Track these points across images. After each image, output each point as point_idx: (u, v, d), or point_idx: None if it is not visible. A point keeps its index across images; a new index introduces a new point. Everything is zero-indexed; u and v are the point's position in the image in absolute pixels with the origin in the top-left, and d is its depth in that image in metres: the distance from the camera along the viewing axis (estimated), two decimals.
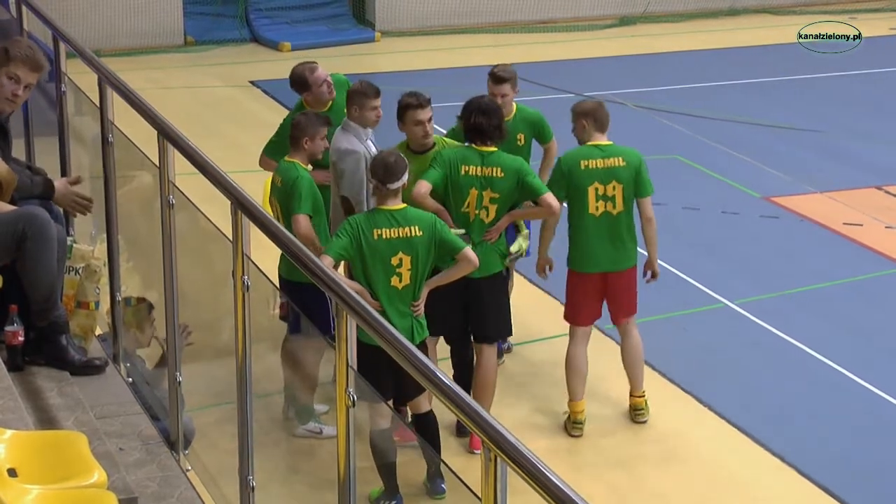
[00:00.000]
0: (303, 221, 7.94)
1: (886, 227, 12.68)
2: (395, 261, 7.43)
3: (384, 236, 7.41)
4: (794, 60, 19.07)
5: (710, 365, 9.93)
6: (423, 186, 8.09)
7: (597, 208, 8.55)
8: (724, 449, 8.80)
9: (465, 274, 7.76)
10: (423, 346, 7.65)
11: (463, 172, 8.19)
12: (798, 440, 8.86)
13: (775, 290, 11.24)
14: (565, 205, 8.66)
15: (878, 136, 15.62)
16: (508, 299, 8.79)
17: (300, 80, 9.02)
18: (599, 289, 8.74)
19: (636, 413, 8.98)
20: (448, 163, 8.21)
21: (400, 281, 7.47)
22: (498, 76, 9.14)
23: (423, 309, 7.59)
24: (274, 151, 9.04)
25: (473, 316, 8.39)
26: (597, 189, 8.53)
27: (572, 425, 8.85)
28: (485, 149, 8.22)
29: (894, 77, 18.68)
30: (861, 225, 12.68)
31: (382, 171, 7.41)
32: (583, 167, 8.53)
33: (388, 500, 7.33)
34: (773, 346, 10.17)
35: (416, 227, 7.43)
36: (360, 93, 8.47)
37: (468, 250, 7.60)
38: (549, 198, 8.20)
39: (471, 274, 7.97)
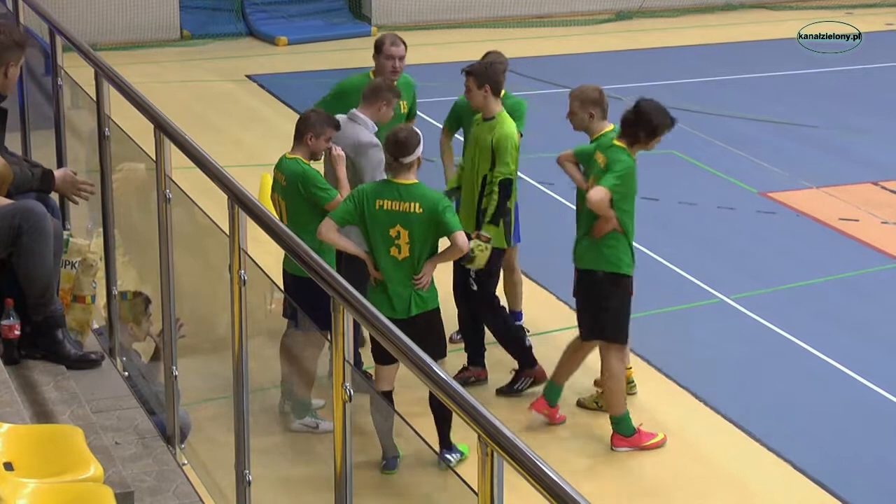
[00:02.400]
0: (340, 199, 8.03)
1: (882, 223, 12.68)
2: (392, 232, 7.70)
3: (385, 207, 7.69)
4: (790, 56, 19.05)
5: (706, 360, 9.92)
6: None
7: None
8: (720, 444, 8.81)
9: (454, 258, 8.14)
10: (434, 315, 7.88)
11: None
12: (793, 435, 8.86)
13: (771, 285, 11.24)
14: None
15: (875, 132, 15.61)
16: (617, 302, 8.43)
17: (377, 44, 9.23)
18: None
19: (628, 385, 9.01)
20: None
21: (399, 252, 7.72)
22: None
23: (425, 283, 7.77)
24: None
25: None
26: None
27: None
28: None
29: (891, 73, 18.66)
30: (857, 221, 12.68)
31: (394, 146, 7.71)
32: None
33: (386, 459, 7.58)
34: (769, 342, 10.17)
35: (417, 205, 7.67)
36: (395, 93, 8.70)
37: (459, 235, 7.75)
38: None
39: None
